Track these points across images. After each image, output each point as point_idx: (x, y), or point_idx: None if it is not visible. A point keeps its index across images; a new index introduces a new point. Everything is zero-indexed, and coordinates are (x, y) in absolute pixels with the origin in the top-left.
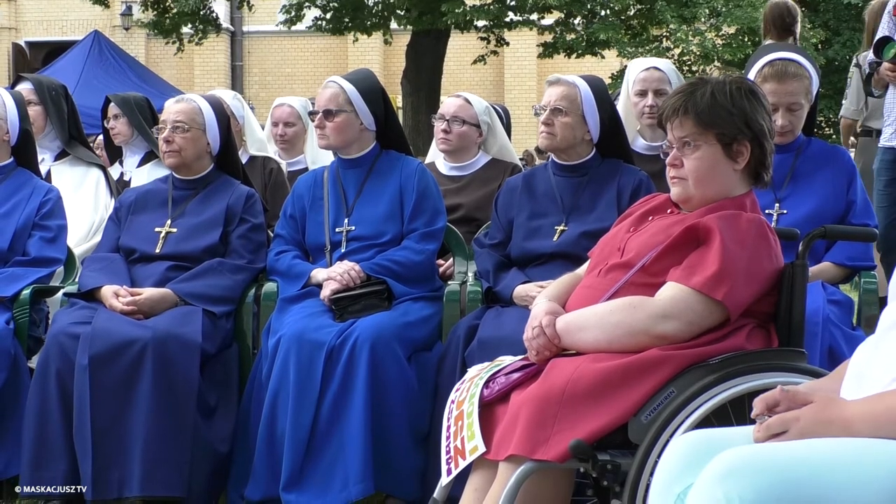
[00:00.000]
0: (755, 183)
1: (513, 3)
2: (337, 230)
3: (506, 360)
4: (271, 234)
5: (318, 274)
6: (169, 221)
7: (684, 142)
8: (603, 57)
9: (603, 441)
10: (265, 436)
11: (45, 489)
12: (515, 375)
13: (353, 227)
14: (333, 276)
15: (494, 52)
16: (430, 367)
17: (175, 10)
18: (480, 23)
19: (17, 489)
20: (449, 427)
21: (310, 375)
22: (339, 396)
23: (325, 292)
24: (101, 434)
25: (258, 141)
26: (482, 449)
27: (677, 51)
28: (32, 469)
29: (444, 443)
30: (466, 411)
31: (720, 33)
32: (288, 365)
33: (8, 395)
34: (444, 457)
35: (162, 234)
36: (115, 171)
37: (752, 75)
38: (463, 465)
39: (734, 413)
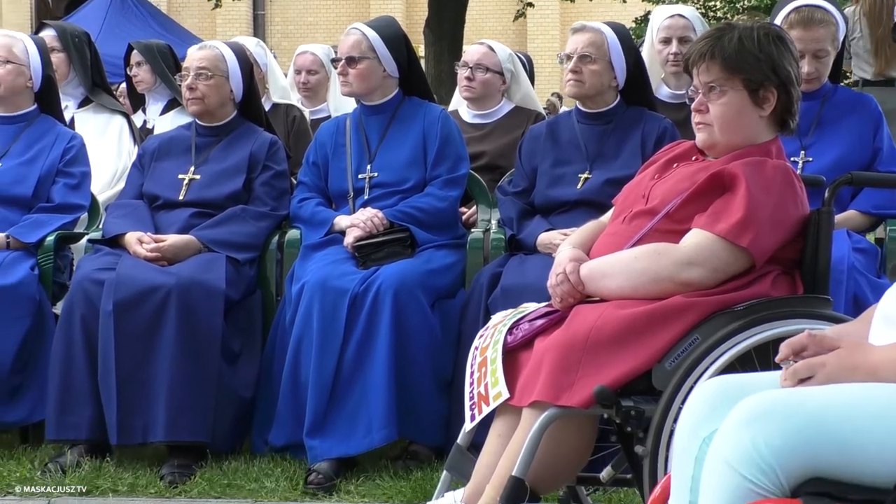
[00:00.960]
0: (781, 130)
1: None
2: (360, 176)
3: (529, 307)
4: (294, 182)
5: (341, 221)
6: (192, 168)
7: (710, 87)
8: (625, 1)
9: (627, 387)
10: (289, 382)
11: (71, 435)
12: (539, 322)
13: (376, 174)
14: (356, 223)
15: (530, 4)
16: (453, 314)
17: None
18: None
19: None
20: (472, 373)
21: (333, 322)
22: (363, 343)
23: (349, 239)
24: (125, 380)
25: (281, 88)
26: (506, 395)
27: None
28: (58, 415)
29: (467, 389)
30: (490, 357)
31: None
32: (311, 312)
33: (33, 341)
34: (467, 403)
35: (185, 181)
36: (138, 119)
37: (777, 22)
38: (486, 411)
39: (759, 360)
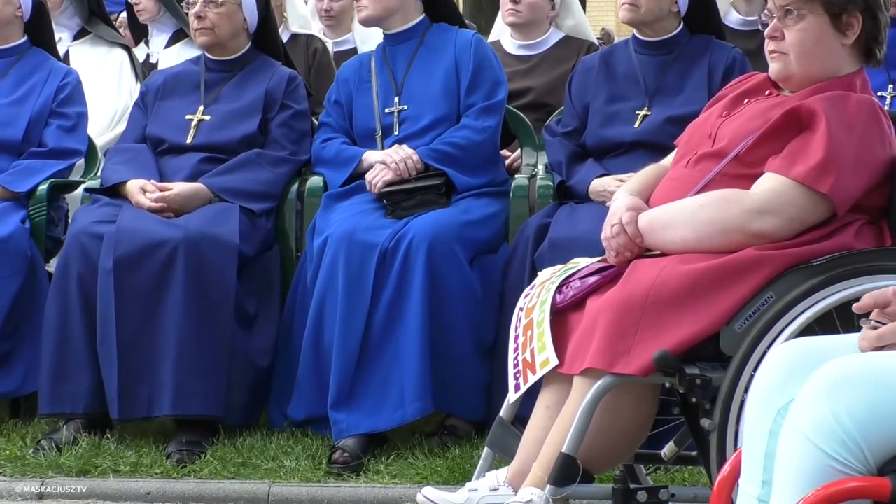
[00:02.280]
0: (866, 60)
1: None
2: (387, 111)
3: (581, 263)
4: (316, 122)
5: (371, 156)
6: (201, 108)
7: (787, 10)
8: None
9: (691, 352)
10: (310, 348)
11: (67, 408)
12: (592, 279)
13: (405, 107)
14: (388, 161)
15: None
16: (494, 271)
17: None
18: None
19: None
20: (517, 338)
21: (360, 281)
22: (394, 304)
23: (378, 181)
24: (127, 346)
25: (301, 17)
26: (554, 362)
27: None
28: (52, 384)
29: (511, 355)
30: (536, 320)
31: None
32: (336, 269)
33: (25, 302)
34: (511, 371)
35: (194, 123)
36: (140, 53)
37: None
38: (533, 380)
39: (840, 321)
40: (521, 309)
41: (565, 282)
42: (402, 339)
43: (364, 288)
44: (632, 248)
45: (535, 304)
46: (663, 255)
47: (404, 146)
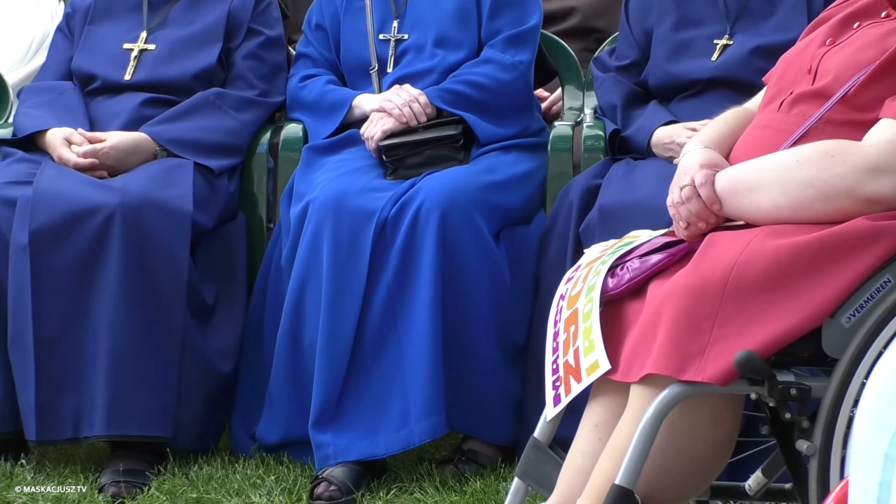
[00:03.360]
0: None
1: None
2: (381, 37)
3: (640, 237)
4: (292, 53)
5: (365, 102)
6: (144, 35)
7: None
8: None
9: (785, 354)
10: (286, 349)
11: None
12: (654, 259)
13: (407, 35)
14: (388, 107)
15: None
16: (527, 248)
17: None
18: None
19: None
20: (556, 335)
21: (352, 261)
22: (396, 292)
23: (375, 133)
24: (47, 346)
25: None
26: (605, 366)
27: None
28: None
29: (549, 358)
30: (583, 311)
31: None
32: (320, 245)
33: None
34: (548, 379)
35: (134, 54)
36: None
37: None
38: (577, 389)
39: None
40: (563, 297)
41: (620, 262)
42: (407, 338)
43: (356, 270)
44: (707, 218)
45: (580, 290)
46: (748, 226)
47: (407, 86)
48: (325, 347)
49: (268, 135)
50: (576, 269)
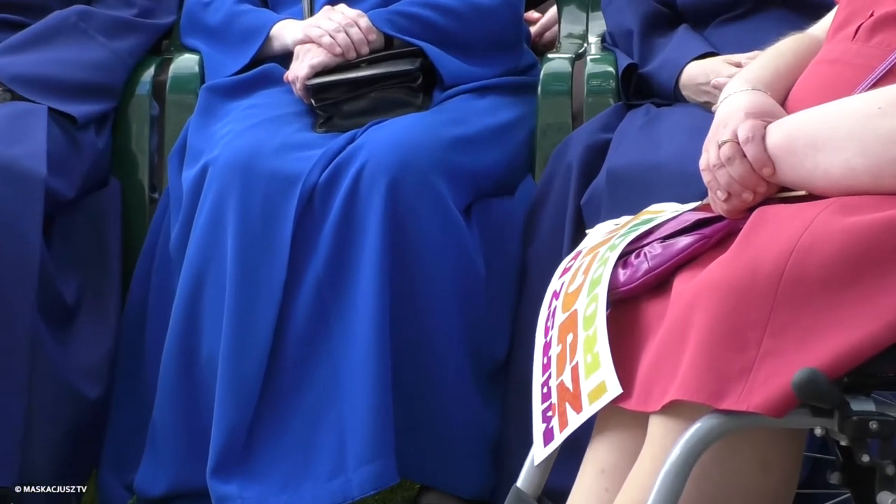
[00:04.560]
0: None
1: None
2: None
3: (663, 213)
4: None
5: (287, 31)
6: None
7: None
8: None
9: (862, 374)
10: (176, 366)
11: None
12: (682, 242)
13: None
14: (316, 35)
15: None
16: (509, 228)
17: None
18: None
19: None
20: (548, 346)
21: (267, 245)
22: (328, 289)
23: (301, 70)
24: None
25: None
26: (615, 390)
27: None
28: None
29: (537, 379)
30: (584, 315)
31: None
32: (223, 223)
33: None
34: (537, 408)
35: None
36: None
37: None
38: (577, 422)
39: None
40: (557, 295)
41: (635, 247)
42: (344, 352)
43: (273, 258)
44: (755, 186)
45: (580, 286)
46: (811, 197)
47: (342, 6)
48: (230, 365)
49: (151, 70)
50: (574, 257)
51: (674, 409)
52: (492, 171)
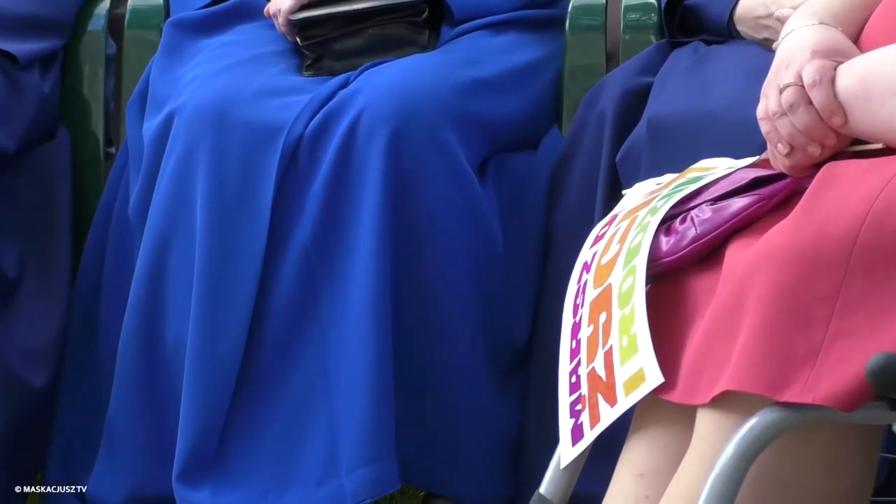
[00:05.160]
0: None
1: None
2: None
3: (714, 170)
4: None
5: None
6: None
7: None
8: None
9: None
10: (135, 352)
11: None
12: (737, 205)
13: None
14: None
15: None
16: (532, 188)
17: None
18: None
19: None
20: (577, 328)
21: (245, 208)
22: (317, 261)
23: (284, 1)
24: None
25: None
26: (656, 379)
27: None
28: None
29: (564, 367)
30: (619, 290)
31: None
32: (191, 182)
33: None
34: (564, 401)
35: None
36: None
37: None
38: (611, 417)
39: None
40: (588, 268)
41: (680, 210)
42: (336, 337)
43: (252, 224)
44: (822, 137)
45: (615, 256)
46: (887, 151)
47: None
48: (200, 351)
49: (107, 2)
50: (609, 223)
51: (726, 401)
52: (511, 122)
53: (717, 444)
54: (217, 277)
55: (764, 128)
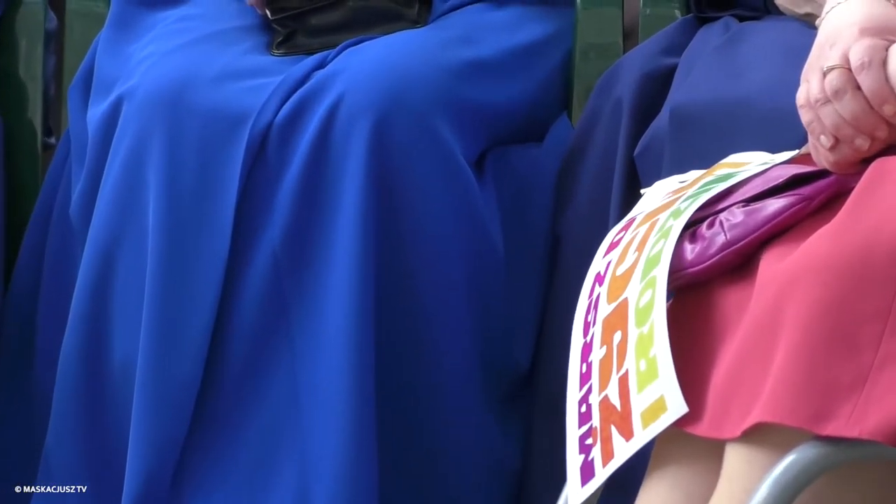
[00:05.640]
0: None
1: None
2: None
3: (747, 166)
4: None
5: None
6: None
7: None
8: None
9: None
10: (77, 373)
11: None
12: (773, 207)
13: None
14: None
15: None
16: (537, 185)
17: None
18: None
19: None
20: (588, 349)
21: (205, 207)
22: (287, 268)
23: None
24: None
25: None
26: (679, 409)
27: None
28: None
29: (573, 394)
30: (636, 306)
31: None
32: (142, 176)
33: None
34: (572, 434)
35: None
36: None
37: None
38: (626, 453)
39: None
40: (601, 279)
41: (708, 213)
42: (310, 359)
43: (213, 228)
44: (871, 128)
45: (633, 266)
46: None
47: None
48: (152, 374)
49: None
50: (625, 228)
51: (760, 435)
52: (513, 109)
53: (748, 484)
54: (172, 289)
55: (805, 117)
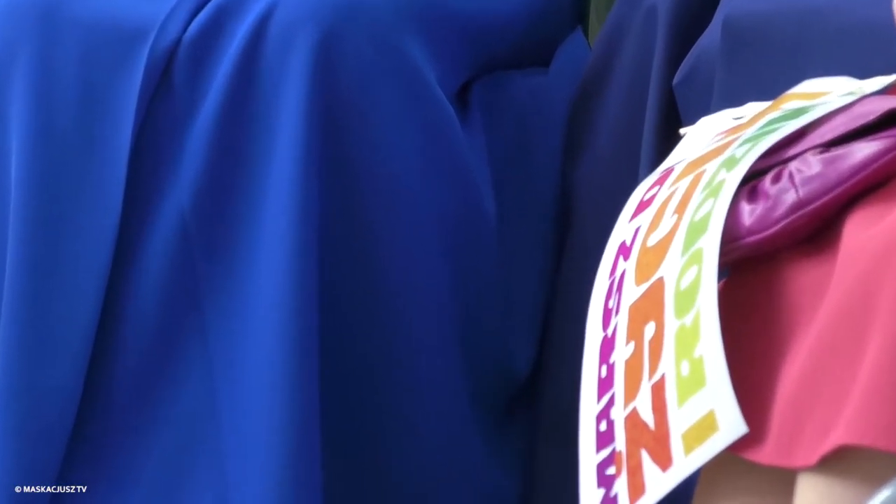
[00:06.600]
0: None
1: None
2: None
3: (826, 96)
4: None
5: None
6: None
7: None
8: None
9: None
10: None
11: None
12: (861, 154)
13: None
14: None
15: None
16: (541, 124)
17: None
18: None
19: None
20: (610, 345)
21: (85, 155)
22: (201, 239)
23: None
24: None
25: None
26: (734, 427)
27: None
28: None
29: (589, 408)
30: (677, 288)
31: None
32: (2, 111)
33: None
34: (588, 460)
35: None
36: None
37: None
38: (662, 487)
39: None
40: (627, 252)
41: (772, 162)
42: (231, 362)
43: (100, 182)
44: None
45: (671, 233)
46: None
47: None
48: (15, 382)
49: None
50: (660, 182)
51: (844, 462)
52: (507, 24)
53: None
54: (42, 266)
55: None
